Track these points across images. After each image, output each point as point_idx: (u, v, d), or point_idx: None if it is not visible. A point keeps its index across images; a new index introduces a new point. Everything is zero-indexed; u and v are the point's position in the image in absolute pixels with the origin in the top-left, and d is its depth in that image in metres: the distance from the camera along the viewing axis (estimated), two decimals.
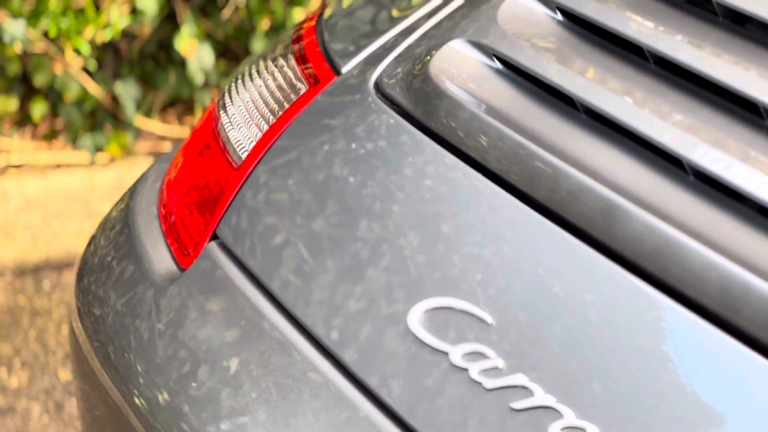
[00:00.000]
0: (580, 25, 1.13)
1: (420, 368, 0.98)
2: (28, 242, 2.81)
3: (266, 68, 1.32)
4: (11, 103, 2.91)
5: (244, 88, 1.31)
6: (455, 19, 1.21)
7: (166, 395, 1.12)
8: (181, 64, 3.01)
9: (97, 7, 2.80)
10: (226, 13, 2.94)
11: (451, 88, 1.10)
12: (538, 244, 0.99)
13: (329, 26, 1.31)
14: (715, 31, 1.04)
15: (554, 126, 1.04)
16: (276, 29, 2.96)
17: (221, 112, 1.31)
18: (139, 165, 2.92)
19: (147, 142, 3.06)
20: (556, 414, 0.91)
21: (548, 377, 0.92)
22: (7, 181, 2.81)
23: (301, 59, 1.28)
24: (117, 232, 1.31)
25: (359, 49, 1.25)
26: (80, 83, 2.89)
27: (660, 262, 0.92)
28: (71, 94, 2.89)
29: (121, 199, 1.38)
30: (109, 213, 1.37)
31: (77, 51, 2.80)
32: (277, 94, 1.26)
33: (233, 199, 1.19)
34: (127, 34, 2.97)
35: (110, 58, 3.02)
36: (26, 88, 3.02)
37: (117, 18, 2.75)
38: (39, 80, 2.87)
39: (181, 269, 1.20)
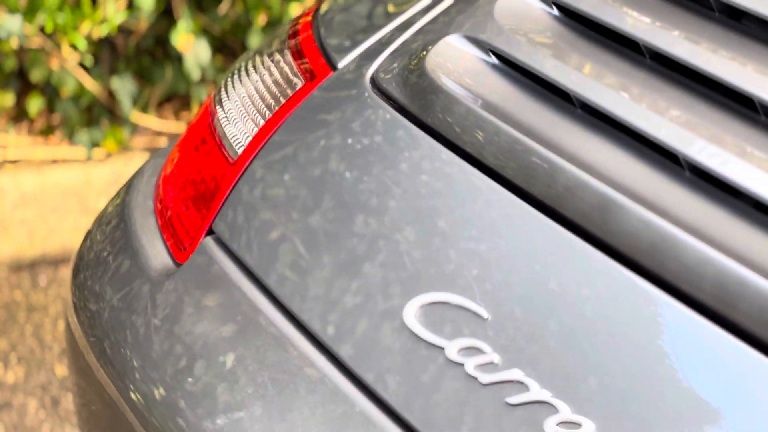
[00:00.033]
0: (576, 21, 1.12)
1: (416, 363, 0.98)
2: (25, 237, 2.80)
3: (262, 63, 1.32)
4: (8, 99, 2.91)
5: (241, 83, 1.31)
6: (451, 14, 1.21)
7: (162, 390, 1.12)
8: (177, 59, 3.01)
9: (94, 3, 2.80)
10: (223, 8, 2.94)
11: (447, 83, 1.10)
12: (534, 240, 0.99)
13: (325, 21, 1.31)
14: (711, 27, 1.04)
15: (550, 121, 1.04)
16: (273, 25, 2.95)
17: (217, 107, 1.31)
18: (136, 160, 2.92)
19: (143, 138, 3.05)
20: (551, 409, 0.91)
21: (544, 372, 0.92)
22: (3, 177, 2.81)
23: (298, 54, 1.28)
24: (113, 227, 1.31)
25: (355, 44, 1.25)
26: (77, 78, 2.89)
27: (656, 257, 0.92)
28: (68, 89, 2.89)
29: (117, 195, 1.38)
30: (105, 208, 1.37)
31: (74, 46, 2.80)
32: (274, 89, 1.26)
33: (229, 194, 1.19)
34: (123, 30, 2.96)
35: (107, 54, 3.02)
36: (23, 84, 3.02)
37: (113, 13, 2.75)
38: (35, 75, 2.87)
39: (177, 264, 1.20)
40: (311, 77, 1.23)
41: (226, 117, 1.28)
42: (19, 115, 3.01)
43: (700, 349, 0.88)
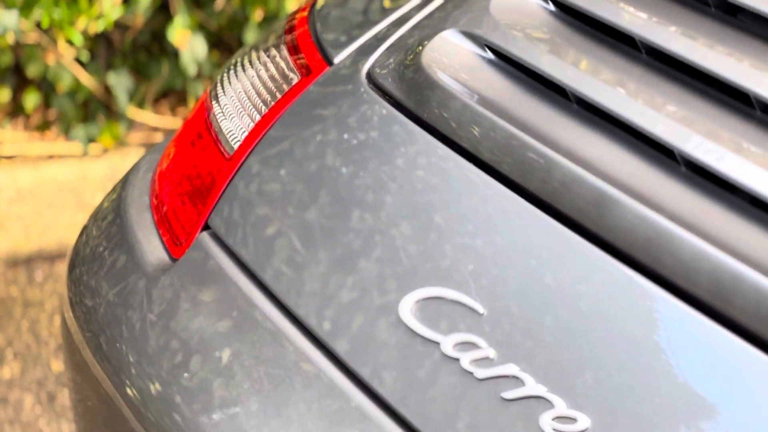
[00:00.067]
0: (572, 16, 1.12)
1: (411, 358, 0.98)
2: (21, 233, 2.80)
3: (258, 59, 1.32)
4: (4, 94, 2.90)
5: (237, 78, 1.31)
6: (447, 9, 1.21)
7: (158, 385, 1.12)
8: (174, 55, 3.00)
9: None
10: (219, 3, 2.94)
11: (443, 78, 1.10)
12: (530, 235, 0.99)
13: (321, 17, 1.31)
14: (708, 22, 1.04)
15: (546, 117, 1.04)
16: (269, 20, 2.95)
17: (213, 102, 1.31)
18: (132, 156, 2.92)
19: (140, 133, 3.05)
20: (547, 404, 0.91)
21: (540, 367, 0.92)
22: None
23: (294, 50, 1.28)
24: (109, 222, 1.31)
25: (351, 39, 1.25)
26: (73, 74, 2.88)
27: (652, 252, 0.92)
28: (64, 84, 2.89)
29: (113, 190, 1.38)
30: (101, 203, 1.37)
31: (70, 42, 2.80)
32: (270, 84, 1.26)
33: (225, 189, 1.19)
34: (119, 25, 2.96)
35: (103, 49, 3.02)
36: (19, 79, 3.01)
37: (110, 9, 2.74)
38: (31, 71, 2.87)
39: (173, 259, 1.20)
40: (307, 72, 1.23)
41: (222, 112, 1.28)
42: (15, 110, 3.01)
43: (696, 344, 0.89)
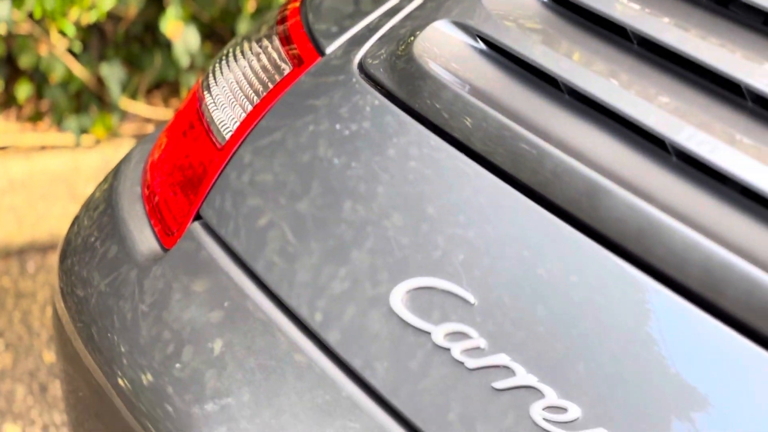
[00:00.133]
0: (564, 7, 1.12)
1: (403, 348, 0.98)
2: (13, 224, 2.80)
3: (250, 49, 1.31)
4: None
5: (228, 68, 1.31)
6: None
7: (149, 376, 1.12)
8: (166, 46, 3.00)
9: None
10: None
11: (435, 68, 1.10)
12: (522, 225, 0.99)
13: (314, 7, 1.31)
14: (699, 13, 1.04)
15: (538, 107, 1.04)
16: (262, 11, 2.95)
17: (205, 92, 1.31)
18: (125, 147, 2.91)
19: (132, 125, 3.05)
20: (538, 394, 0.91)
21: (530, 357, 0.92)
22: None
23: (286, 40, 1.28)
24: (100, 212, 1.31)
25: (343, 29, 1.24)
26: (65, 65, 2.88)
27: (643, 243, 0.92)
28: (56, 75, 2.88)
29: (105, 180, 1.38)
30: (93, 193, 1.37)
31: (62, 32, 2.79)
32: (261, 74, 1.25)
33: (217, 179, 1.19)
34: (112, 16, 2.95)
35: (95, 40, 3.01)
36: (11, 70, 3.01)
37: None
38: (24, 61, 2.86)
39: (165, 250, 1.20)
40: (299, 63, 1.23)
41: (214, 102, 1.27)
42: (7, 101, 3.00)
43: (687, 334, 0.89)
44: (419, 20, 1.18)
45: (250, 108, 1.22)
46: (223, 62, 1.33)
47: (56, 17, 2.69)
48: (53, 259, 2.78)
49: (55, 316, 1.33)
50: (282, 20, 1.33)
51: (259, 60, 1.28)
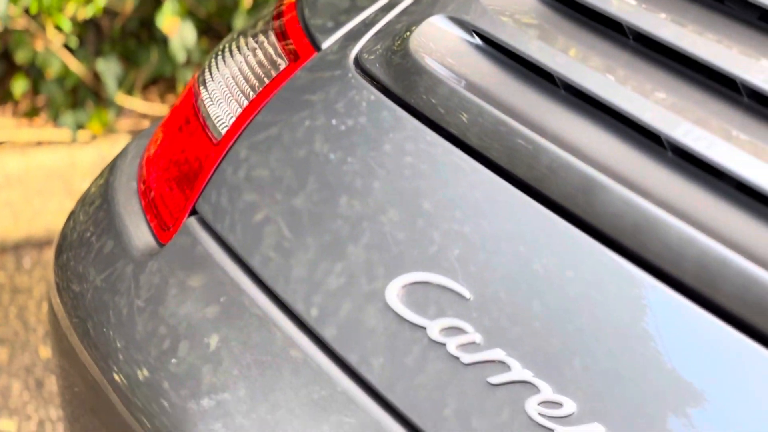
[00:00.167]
0: (560, 2, 1.12)
1: (398, 343, 0.98)
2: (9, 220, 2.80)
3: (246, 44, 1.31)
4: None
5: (225, 64, 1.31)
6: None
7: (145, 371, 1.12)
8: (163, 41, 2.99)
9: None
10: None
11: (431, 64, 1.10)
12: (517, 221, 0.99)
13: (310, 2, 1.31)
14: (696, 8, 1.04)
15: (534, 102, 1.04)
16: (258, 7, 2.94)
17: (201, 87, 1.31)
18: (121, 143, 2.91)
19: (129, 120, 3.05)
20: (533, 389, 0.91)
21: (526, 352, 0.92)
22: None
23: (282, 35, 1.28)
24: (96, 207, 1.31)
25: (339, 25, 1.24)
26: (61, 60, 2.87)
27: (639, 238, 0.92)
28: (52, 71, 2.88)
29: (101, 175, 1.38)
30: (89, 188, 1.37)
31: (58, 28, 2.78)
32: (258, 69, 1.25)
33: (213, 174, 1.19)
34: (108, 12, 2.95)
35: (92, 36, 3.01)
36: (7, 65, 3.00)
37: None
38: (20, 57, 2.86)
39: (161, 245, 1.20)
40: (295, 58, 1.23)
41: (210, 97, 1.27)
42: (3, 96, 3.00)
43: (682, 329, 0.89)
44: (415, 15, 1.18)
45: (246, 103, 1.22)
46: (219, 57, 1.33)
47: (52, 12, 2.69)
48: (49, 254, 2.78)
49: (50, 312, 1.32)
50: (278, 15, 1.33)
51: (255, 55, 1.28)
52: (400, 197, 1.05)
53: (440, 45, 1.12)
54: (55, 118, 2.95)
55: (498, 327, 0.95)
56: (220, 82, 1.28)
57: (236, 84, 1.26)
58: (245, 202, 1.14)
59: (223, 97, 1.26)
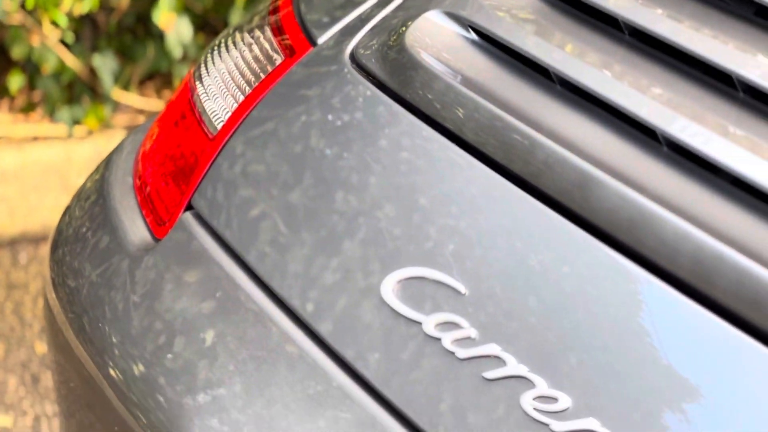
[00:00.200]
0: None
1: (394, 339, 0.98)
2: (5, 215, 2.79)
3: (242, 39, 1.31)
4: None
5: (220, 59, 1.31)
6: None
7: (141, 367, 1.12)
8: (159, 37, 2.99)
9: None
10: None
11: (427, 59, 1.09)
12: (513, 216, 0.99)
13: None
14: (690, 4, 1.04)
15: (530, 98, 1.04)
16: (254, 2, 2.94)
17: (197, 82, 1.30)
18: (117, 138, 2.91)
19: (125, 116, 3.04)
20: (528, 383, 0.91)
21: (521, 347, 0.92)
22: None
23: (278, 30, 1.28)
24: (92, 202, 1.31)
25: (335, 20, 1.24)
26: (58, 56, 2.87)
27: (635, 233, 0.92)
28: (49, 66, 2.87)
29: (96, 170, 1.38)
30: (84, 183, 1.37)
31: (54, 23, 2.78)
32: (253, 65, 1.25)
33: (208, 169, 1.19)
34: (104, 7, 2.95)
35: (88, 31, 3.01)
36: (3, 60, 3.00)
37: None
38: (16, 52, 2.86)
39: (156, 240, 1.20)
40: (291, 53, 1.23)
41: (205, 92, 1.27)
42: None
43: (678, 325, 0.89)
44: (411, 10, 1.18)
45: (242, 98, 1.22)
46: (215, 52, 1.33)
47: (48, 8, 2.68)
48: (45, 250, 2.78)
49: (46, 307, 1.32)
50: (274, 11, 1.33)
51: (251, 50, 1.28)
52: (396, 192, 1.05)
53: (436, 40, 1.12)
54: (51, 114, 2.95)
55: (493, 322, 0.95)
56: (216, 77, 1.28)
57: (232, 79, 1.26)
58: (241, 197, 1.14)
59: (219, 92, 1.26)
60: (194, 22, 2.97)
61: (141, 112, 3.05)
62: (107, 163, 1.37)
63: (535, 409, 0.90)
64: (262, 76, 1.23)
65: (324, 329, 1.03)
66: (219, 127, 1.21)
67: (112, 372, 1.14)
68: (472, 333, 0.95)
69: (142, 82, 3.12)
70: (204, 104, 1.26)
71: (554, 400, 0.90)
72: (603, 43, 1.06)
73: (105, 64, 2.91)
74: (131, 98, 3.01)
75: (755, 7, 1.02)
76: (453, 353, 0.95)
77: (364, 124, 1.11)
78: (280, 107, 1.18)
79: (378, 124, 1.10)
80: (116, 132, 2.96)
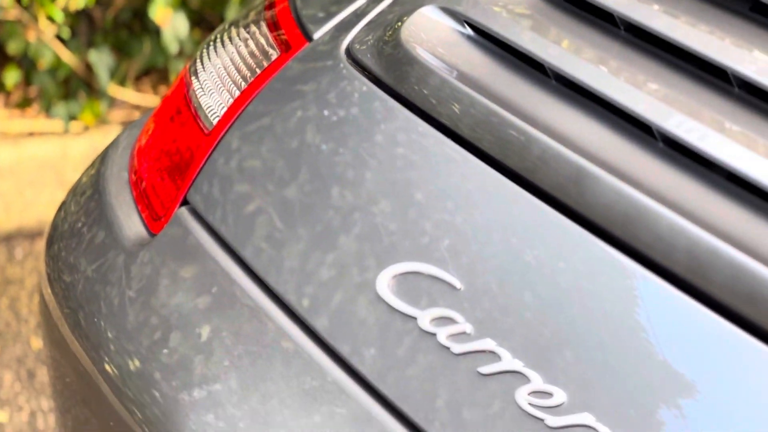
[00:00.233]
0: None
1: (389, 334, 0.98)
2: (1, 210, 2.79)
3: (238, 34, 1.31)
4: None
5: (216, 54, 1.31)
6: None
7: (137, 362, 1.11)
8: (155, 32, 2.99)
9: None
10: None
11: (423, 54, 1.09)
12: (509, 211, 0.99)
13: None
14: (686, 0, 1.04)
15: (526, 93, 1.04)
16: None
17: (193, 78, 1.30)
18: (113, 134, 2.91)
19: (121, 111, 3.04)
20: (523, 378, 0.91)
21: (516, 342, 0.93)
22: None
23: (273, 25, 1.28)
24: (87, 197, 1.31)
25: (331, 15, 1.24)
26: (54, 51, 2.87)
27: (630, 228, 0.92)
28: (45, 61, 2.87)
29: (92, 165, 1.37)
30: (80, 179, 1.37)
31: (51, 18, 2.78)
32: (249, 60, 1.25)
33: (204, 164, 1.19)
34: (101, 2, 2.95)
35: (84, 26, 3.00)
36: None
37: None
38: (12, 48, 2.85)
39: (152, 235, 1.20)
40: (287, 48, 1.23)
41: (201, 88, 1.27)
42: None
43: (673, 320, 0.89)
44: (407, 6, 1.18)
45: (237, 93, 1.22)
46: (211, 48, 1.33)
47: (44, 3, 2.68)
48: (41, 245, 2.78)
49: (42, 302, 1.32)
50: (270, 6, 1.32)
51: (246, 45, 1.28)
52: (392, 188, 1.05)
53: (432, 35, 1.12)
54: (47, 109, 2.95)
55: (489, 317, 0.95)
56: (211, 72, 1.28)
57: (228, 74, 1.26)
58: (237, 192, 1.14)
59: (214, 87, 1.26)
60: (190, 17, 2.97)
61: (137, 107, 3.05)
62: (103, 158, 1.37)
63: (530, 404, 0.90)
64: (258, 71, 1.23)
65: (319, 324, 1.03)
66: (215, 122, 1.21)
67: (107, 367, 1.14)
68: (468, 328, 0.95)
69: (138, 78, 3.11)
70: (200, 99, 1.26)
71: (549, 395, 0.90)
72: (599, 38, 1.06)
73: (101, 59, 2.91)
74: (127, 94, 3.00)
75: (751, 3, 1.02)
76: (448, 348, 0.95)
77: (360, 120, 1.11)
78: (276, 102, 1.18)
79: (373, 119, 1.10)
80: (112, 127, 2.96)
